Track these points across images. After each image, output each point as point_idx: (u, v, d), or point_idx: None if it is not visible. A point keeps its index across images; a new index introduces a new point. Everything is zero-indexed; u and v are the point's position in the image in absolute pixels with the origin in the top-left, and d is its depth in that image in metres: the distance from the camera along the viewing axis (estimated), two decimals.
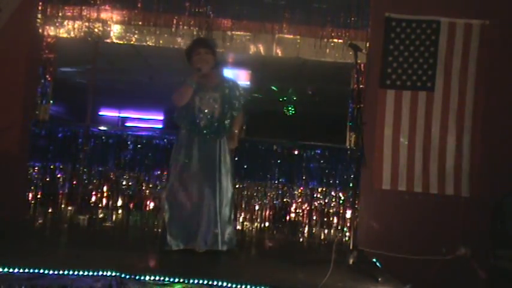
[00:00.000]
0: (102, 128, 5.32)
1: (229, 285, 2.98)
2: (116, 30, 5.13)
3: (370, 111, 4.80)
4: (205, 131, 3.83)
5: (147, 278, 2.97)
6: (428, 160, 4.77)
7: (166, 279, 2.97)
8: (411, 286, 3.24)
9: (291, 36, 5.13)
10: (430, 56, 4.82)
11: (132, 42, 5.17)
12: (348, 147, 5.07)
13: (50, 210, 4.98)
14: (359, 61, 4.07)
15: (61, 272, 2.95)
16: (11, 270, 2.92)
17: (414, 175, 4.76)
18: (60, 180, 5.04)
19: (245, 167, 5.04)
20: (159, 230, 4.00)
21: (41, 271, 2.94)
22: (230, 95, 3.93)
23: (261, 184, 5.07)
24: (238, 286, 2.98)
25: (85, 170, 5.04)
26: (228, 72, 7.40)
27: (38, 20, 5.05)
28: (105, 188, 5.05)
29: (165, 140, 5.03)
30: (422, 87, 4.81)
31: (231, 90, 3.95)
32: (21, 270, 2.93)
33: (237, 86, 4.06)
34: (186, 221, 3.80)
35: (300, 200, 5.08)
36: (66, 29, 5.11)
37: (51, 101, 5.20)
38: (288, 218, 5.07)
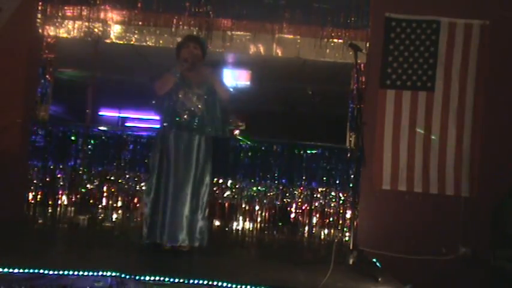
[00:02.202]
0: (102, 128, 5.31)
1: (229, 285, 2.98)
2: (116, 30, 5.13)
3: (370, 111, 4.81)
4: (185, 127, 3.82)
5: (147, 278, 2.97)
6: (428, 160, 4.77)
7: (166, 279, 2.98)
8: (411, 286, 3.24)
9: (291, 36, 5.12)
10: (430, 56, 4.82)
11: (132, 42, 5.17)
12: (348, 147, 5.07)
13: (50, 210, 4.98)
14: (359, 61, 4.07)
15: (61, 272, 2.95)
16: (11, 270, 2.92)
17: (414, 175, 4.76)
18: (60, 180, 5.03)
19: (245, 167, 5.03)
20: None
21: (41, 271, 2.94)
22: (214, 94, 3.92)
23: (261, 184, 5.07)
24: (238, 286, 2.98)
25: (85, 170, 5.04)
26: (227, 72, 7.42)
27: (38, 20, 5.05)
28: (105, 188, 5.05)
29: None
30: (422, 87, 4.82)
31: (215, 91, 3.93)
32: (21, 270, 2.93)
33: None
34: (161, 216, 3.79)
35: (300, 200, 5.08)
36: (66, 29, 5.11)
37: (51, 101, 5.20)
38: (288, 218, 5.07)
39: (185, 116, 3.83)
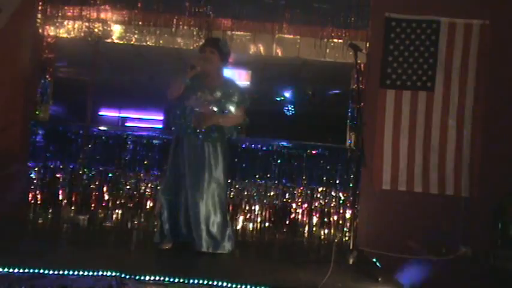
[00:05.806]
0: (102, 128, 5.31)
1: (229, 285, 2.98)
2: (116, 30, 5.14)
3: (370, 111, 4.81)
4: (195, 132, 3.78)
5: (147, 278, 2.97)
6: (429, 160, 4.77)
7: (166, 279, 2.98)
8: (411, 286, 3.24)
9: (291, 36, 5.13)
10: (430, 56, 4.82)
11: (132, 42, 5.18)
12: (348, 147, 5.07)
13: (50, 210, 4.98)
14: (359, 61, 4.07)
15: (61, 272, 2.95)
16: (11, 270, 2.92)
17: (414, 175, 4.76)
18: (60, 180, 5.03)
19: (245, 167, 5.03)
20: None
21: (41, 271, 2.94)
22: (230, 100, 3.85)
23: (261, 184, 5.07)
24: (238, 286, 2.98)
25: (85, 170, 5.04)
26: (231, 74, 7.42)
27: (38, 20, 5.05)
28: (105, 188, 5.05)
29: (165, 140, 5.01)
30: (422, 87, 4.81)
31: (232, 95, 3.86)
32: (21, 270, 2.93)
33: (239, 89, 3.95)
34: (177, 219, 3.81)
35: (300, 200, 5.08)
36: (66, 29, 5.11)
37: (51, 101, 5.20)
38: (288, 218, 5.07)
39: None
